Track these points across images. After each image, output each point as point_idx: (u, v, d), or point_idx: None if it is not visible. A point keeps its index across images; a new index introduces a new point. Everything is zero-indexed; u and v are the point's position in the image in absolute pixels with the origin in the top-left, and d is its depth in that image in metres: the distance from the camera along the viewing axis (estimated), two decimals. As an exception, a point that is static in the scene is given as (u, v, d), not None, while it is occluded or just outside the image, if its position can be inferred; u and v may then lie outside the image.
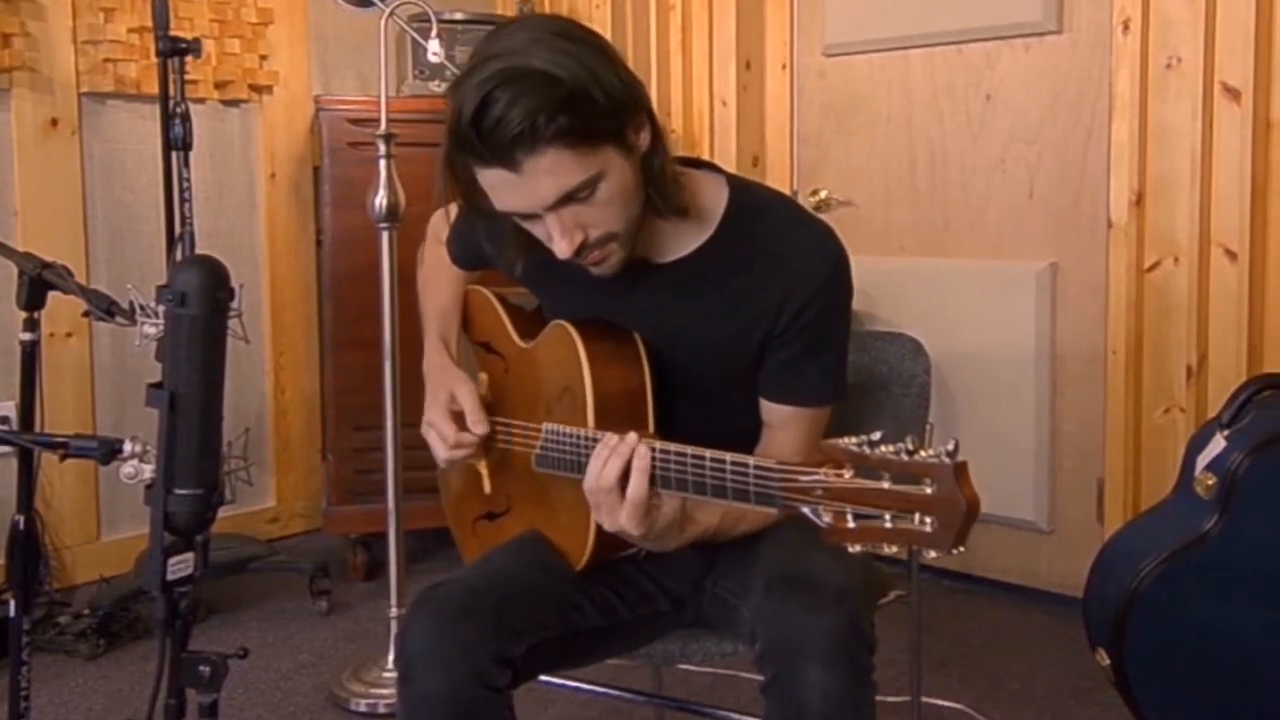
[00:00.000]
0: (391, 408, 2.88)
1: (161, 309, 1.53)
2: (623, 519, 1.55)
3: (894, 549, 1.28)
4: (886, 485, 1.27)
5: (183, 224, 3.17)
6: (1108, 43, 3.19)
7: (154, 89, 3.23)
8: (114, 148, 3.67)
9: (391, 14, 2.81)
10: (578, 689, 2.25)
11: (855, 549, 1.31)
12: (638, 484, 1.53)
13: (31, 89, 3.46)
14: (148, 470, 1.54)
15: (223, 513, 1.62)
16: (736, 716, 2.06)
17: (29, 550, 1.90)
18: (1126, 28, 3.08)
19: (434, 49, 2.72)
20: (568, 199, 1.54)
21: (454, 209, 1.90)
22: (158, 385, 1.51)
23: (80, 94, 3.57)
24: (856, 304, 1.78)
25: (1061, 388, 3.39)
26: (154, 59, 3.19)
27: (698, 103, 4.01)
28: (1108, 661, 2.25)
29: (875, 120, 3.73)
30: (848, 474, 1.31)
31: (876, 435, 1.29)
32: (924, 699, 2.56)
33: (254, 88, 3.96)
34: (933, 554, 1.26)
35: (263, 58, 3.97)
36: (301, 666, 3.09)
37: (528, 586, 1.71)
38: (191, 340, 1.50)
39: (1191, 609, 2.17)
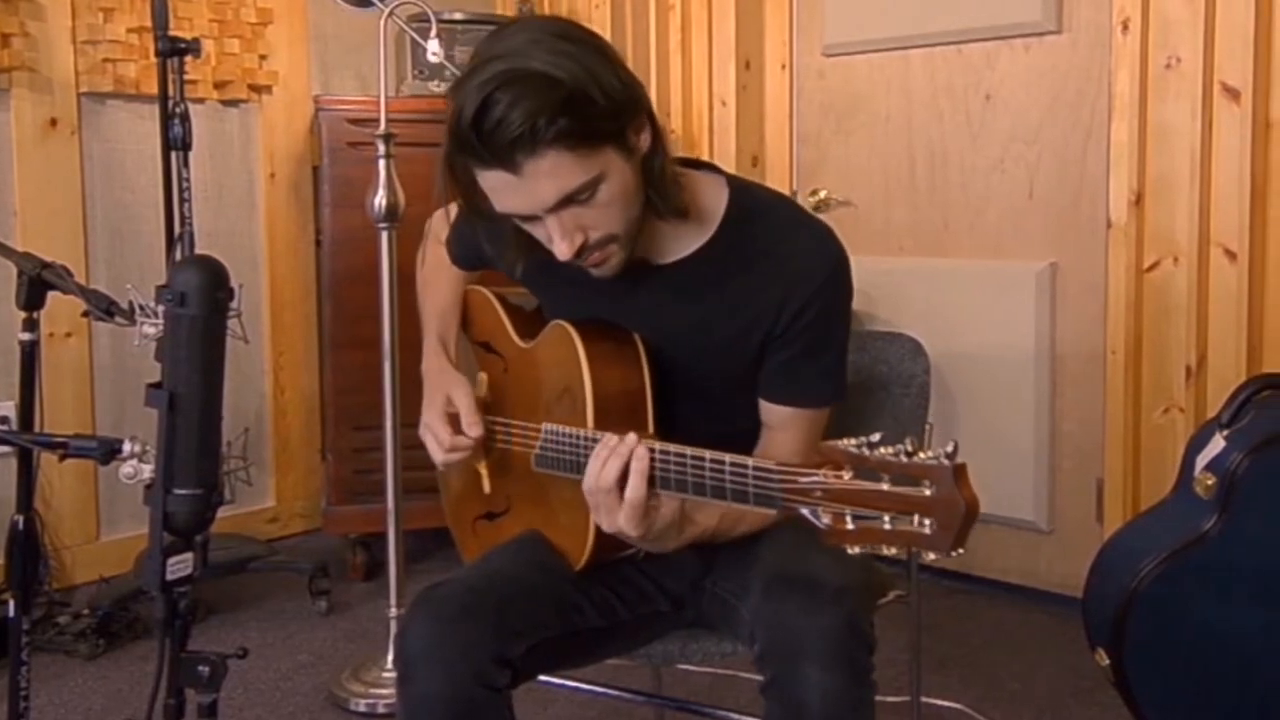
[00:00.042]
0: (391, 408, 2.88)
1: (161, 309, 1.53)
2: (621, 520, 1.55)
3: (893, 550, 1.28)
4: (886, 487, 1.27)
5: (182, 224, 3.17)
6: (1107, 43, 3.19)
7: (153, 89, 3.23)
8: (113, 148, 3.67)
9: (391, 14, 2.81)
10: (577, 689, 2.25)
11: (854, 550, 1.31)
12: (636, 485, 1.53)
13: (31, 89, 3.46)
14: (147, 470, 1.55)
15: (222, 513, 1.62)
16: (736, 717, 2.06)
17: (28, 550, 1.90)
18: (1126, 28, 3.08)
19: (433, 49, 2.72)
20: (568, 201, 1.54)
21: (454, 209, 1.91)
22: (157, 385, 1.51)
23: (79, 94, 3.57)
24: (856, 304, 1.78)
25: (1061, 388, 3.39)
26: (153, 59, 3.19)
27: (697, 103, 4.01)
28: (1107, 661, 2.25)
29: (875, 120, 3.73)
30: (847, 475, 1.31)
31: (876, 437, 1.29)
32: (923, 699, 2.56)
33: (253, 88, 3.96)
34: (932, 556, 1.26)
35: (262, 58, 3.97)
36: (301, 666, 3.09)
37: (527, 586, 1.71)
38: (191, 340, 1.50)
39: (1191, 609, 2.18)
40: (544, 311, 1.91)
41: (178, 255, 3.16)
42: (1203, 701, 2.20)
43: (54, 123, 3.52)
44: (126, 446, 1.57)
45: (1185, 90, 2.99)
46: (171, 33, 3.12)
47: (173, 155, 3.17)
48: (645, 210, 1.64)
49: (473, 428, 1.85)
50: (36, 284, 1.84)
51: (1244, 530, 2.14)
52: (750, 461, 1.43)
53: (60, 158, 3.54)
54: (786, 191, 3.81)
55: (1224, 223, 2.96)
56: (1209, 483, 2.17)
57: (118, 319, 1.75)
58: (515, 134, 1.46)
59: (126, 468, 1.57)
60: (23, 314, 1.87)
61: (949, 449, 1.24)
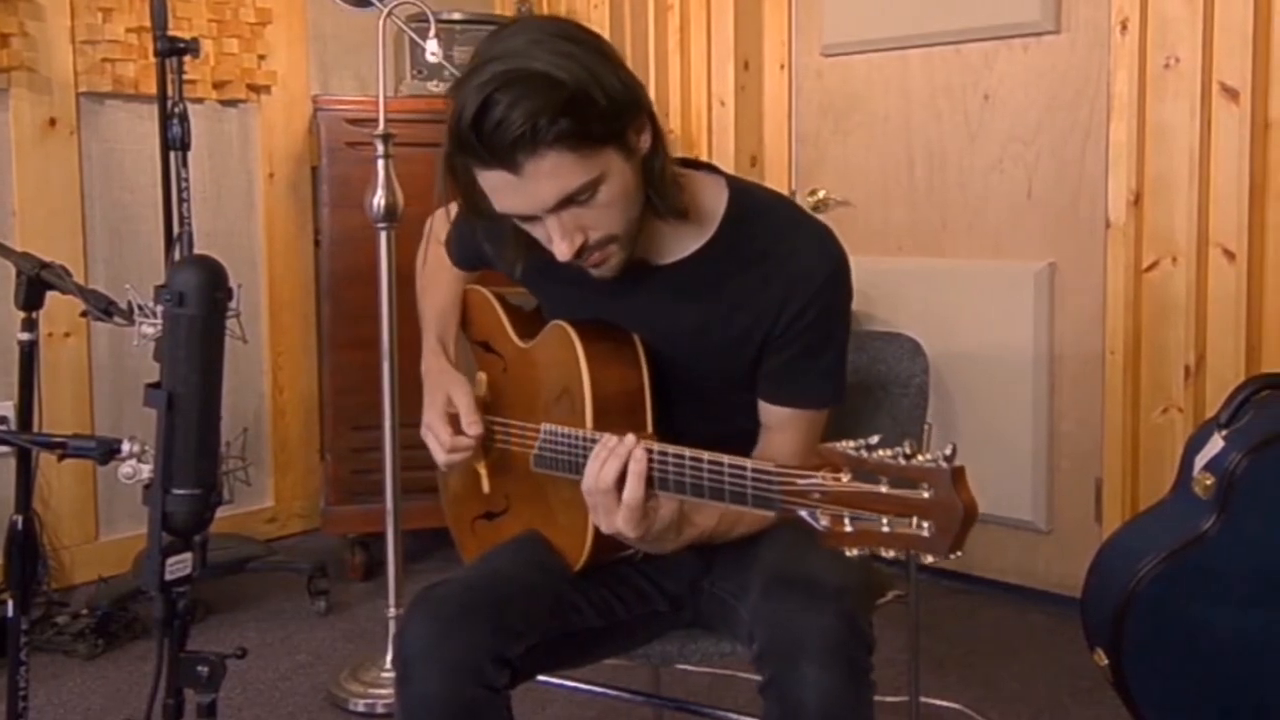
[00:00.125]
0: (390, 408, 2.88)
1: (160, 309, 1.53)
2: (619, 520, 1.55)
3: (891, 553, 1.28)
4: (884, 489, 1.27)
5: (181, 224, 3.17)
6: (1106, 43, 3.20)
7: (152, 89, 3.23)
8: (112, 148, 3.67)
9: (390, 14, 2.81)
10: (576, 689, 2.25)
11: (853, 553, 1.31)
12: (634, 486, 1.53)
13: (30, 89, 3.46)
14: (146, 470, 1.54)
15: (221, 513, 1.62)
16: (735, 717, 2.06)
17: (27, 550, 1.90)
18: (1125, 28, 3.09)
19: (432, 49, 2.71)
20: (568, 201, 1.54)
21: (454, 209, 1.91)
22: (156, 385, 1.51)
23: (78, 94, 3.57)
24: (854, 304, 1.78)
25: (1060, 388, 3.39)
26: (152, 59, 3.19)
27: (696, 103, 4.01)
28: (1106, 661, 2.25)
29: (873, 120, 3.73)
30: (845, 478, 1.31)
31: (874, 439, 1.29)
32: (922, 699, 2.56)
33: (252, 88, 3.96)
34: (930, 558, 1.26)
35: (261, 58, 3.97)
36: (300, 666, 3.09)
37: (526, 586, 1.71)
38: (190, 340, 1.50)
39: (1190, 609, 2.17)
40: (543, 312, 1.91)
41: (176, 255, 3.16)
42: (1201, 701, 2.20)
43: (53, 123, 3.52)
44: (125, 446, 1.57)
45: (1184, 90, 2.99)
46: (170, 33, 3.13)
47: (171, 155, 3.17)
48: (645, 211, 1.64)
49: (472, 427, 1.85)
50: (35, 284, 1.84)
51: (1243, 530, 2.14)
52: (749, 463, 1.43)
53: (59, 158, 3.54)
54: (785, 192, 3.82)
55: (1223, 223, 2.96)
56: (1208, 483, 2.17)
57: (116, 319, 1.75)
58: (516, 134, 1.46)
59: (125, 468, 1.57)
60: (21, 314, 1.86)
61: (947, 451, 1.24)
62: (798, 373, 1.72)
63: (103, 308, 1.76)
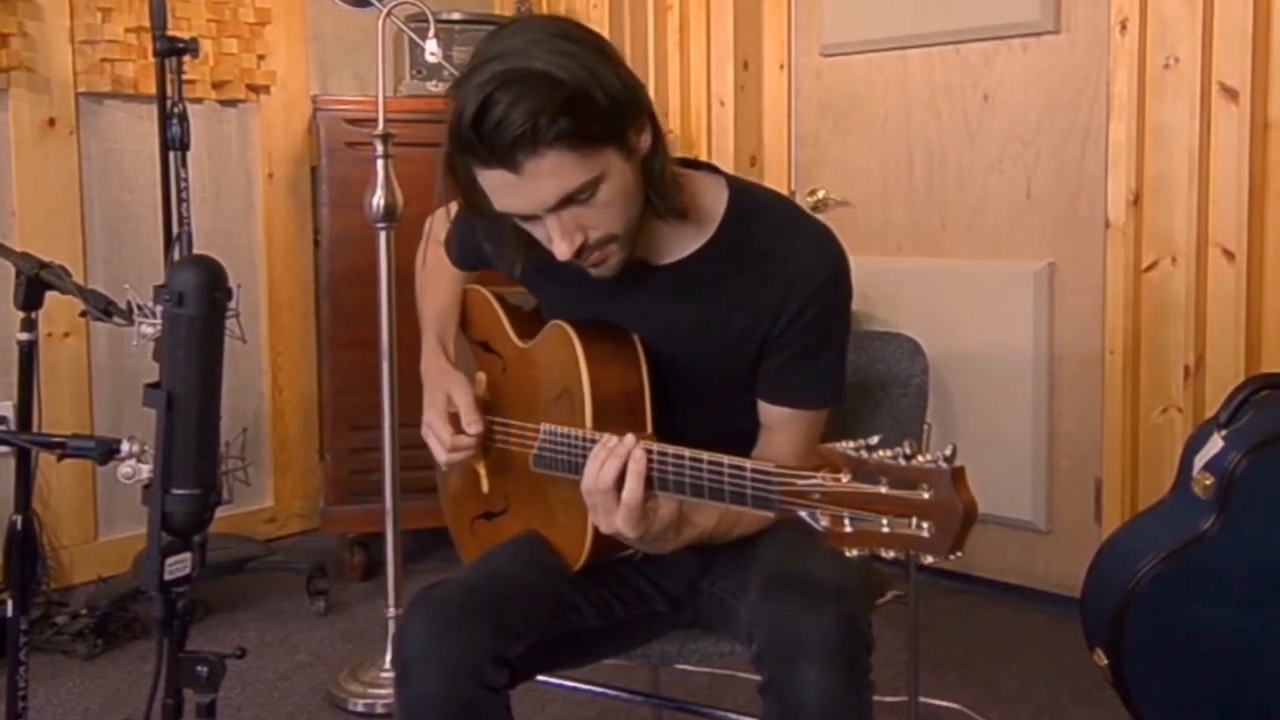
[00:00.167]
0: (389, 408, 2.88)
1: (159, 309, 1.53)
2: (619, 521, 1.55)
3: (891, 554, 1.28)
4: (884, 490, 1.27)
5: (180, 224, 3.17)
6: (1105, 43, 3.20)
7: (151, 89, 3.23)
8: (111, 148, 3.67)
9: (389, 14, 2.81)
10: (575, 689, 2.25)
11: (852, 553, 1.31)
12: (634, 486, 1.53)
13: (29, 89, 3.46)
14: (145, 470, 1.54)
15: (220, 513, 1.62)
16: (734, 717, 2.06)
17: (27, 550, 1.90)
18: (1124, 27, 3.09)
19: (431, 49, 2.71)
20: (568, 200, 1.54)
21: (453, 209, 1.91)
22: (155, 385, 1.51)
23: (78, 94, 3.57)
24: (854, 304, 1.78)
25: (1059, 388, 3.39)
26: (151, 59, 3.19)
27: (695, 103, 4.01)
28: (1105, 662, 2.25)
29: (873, 120, 3.73)
30: (845, 478, 1.31)
31: (874, 439, 1.29)
32: (921, 699, 2.56)
33: (251, 87, 3.96)
34: (930, 559, 1.26)
35: (260, 58, 3.96)
36: (299, 666, 3.09)
37: (525, 586, 1.71)
38: (189, 340, 1.50)
39: (1189, 609, 2.17)
40: (542, 311, 1.91)
41: (176, 255, 3.16)
42: (1201, 701, 2.20)
43: (52, 123, 3.52)
44: (124, 446, 1.57)
45: (1183, 90, 2.99)
46: (170, 32, 3.13)
47: (171, 155, 3.17)
48: (645, 211, 1.64)
49: (472, 425, 1.85)
50: (35, 284, 1.84)
51: (1242, 530, 2.14)
52: (748, 463, 1.43)
53: (58, 158, 3.54)
54: (784, 192, 3.82)
55: (1222, 223, 2.96)
56: (1207, 483, 2.17)
57: (116, 319, 1.75)
58: (516, 133, 1.46)
59: (125, 468, 1.57)
60: (21, 314, 1.86)
61: (947, 452, 1.23)
62: (797, 373, 1.72)
63: (102, 308, 1.76)
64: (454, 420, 1.86)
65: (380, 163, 2.83)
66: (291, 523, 4.16)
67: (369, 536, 3.67)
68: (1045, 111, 3.36)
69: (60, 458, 1.64)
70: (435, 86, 3.76)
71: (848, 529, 1.30)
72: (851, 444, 1.30)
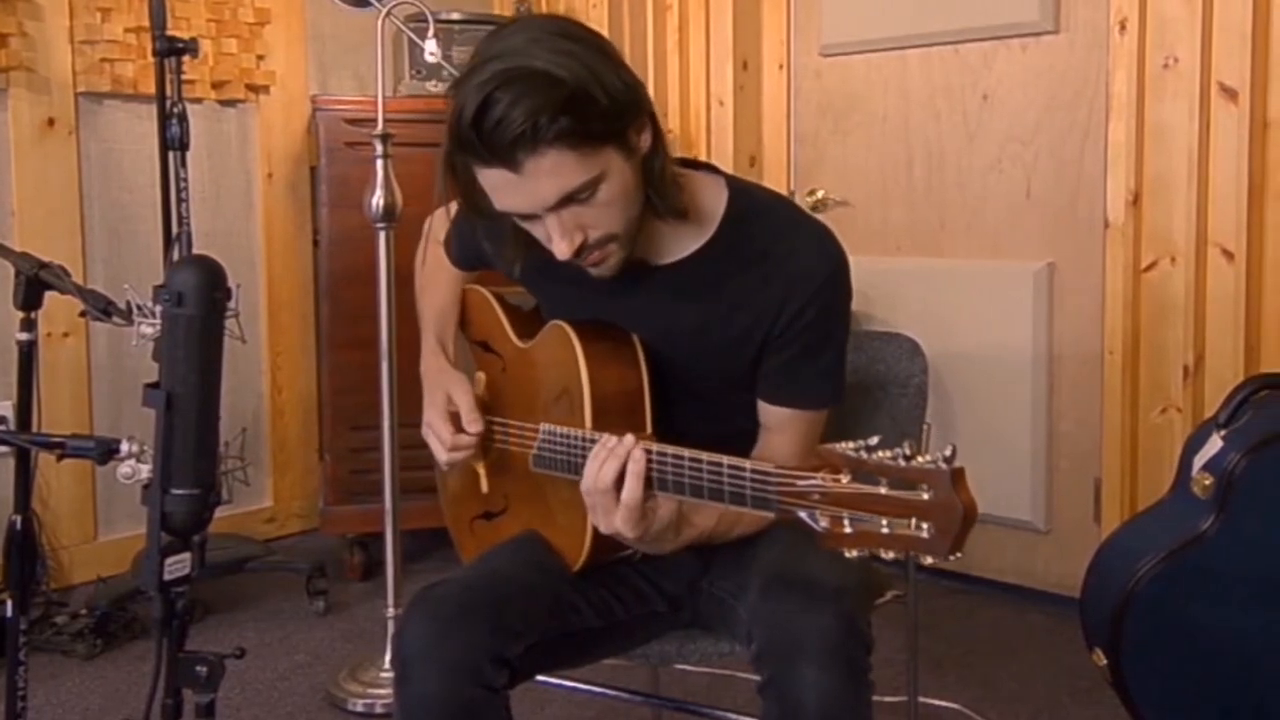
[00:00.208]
0: (388, 407, 2.88)
1: (158, 309, 1.53)
2: (618, 521, 1.55)
3: (891, 555, 1.28)
4: (883, 490, 1.27)
5: (180, 224, 3.17)
6: (1104, 43, 3.20)
7: (151, 89, 3.23)
8: (111, 148, 3.67)
9: (388, 14, 2.81)
10: (574, 689, 2.25)
11: (852, 554, 1.31)
12: (633, 486, 1.53)
13: (28, 89, 3.46)
14: (145, 470, 1.54)
15: (219, 513, 1.62)
16: (733, 717, 2.06)
17: (26, 550, 1.90)
18: (1123, 27, 3.09)
19: (431, 49, 2.71)
20: (568, 200, 1.54)
21: (453, 208, 1.91)
22: (154, 385, 1.51)
23: (77, 94, 3.57)
24: (853, 304, 1.78)
25: (1058, 388, 3.39)
26: (151, 59, 3.19)
27: (694, 102, 4.01)
28: (1104, 661, 2.25)
29: (872, 120, 3.73)
30: (845, 479, 1.30)
31: (874, 440, 1.29)
32: (921, 699, 2.56)
33: (251, 87, 3.96)
34: (930, 560, 1.26)
35: (260, 58, 3.96)
36: (298, 666, 3.09)
37: (525, 586, 1.71)
38: (188, 340, 1.50)
39: (1188, 609, 2.18)
40: (542, 311, 1.91)
41: (175, 255, 3.16)
42: (1200, 701, 2.20)
43: (51, 122, 3.52)
44: (124, 446, 1.57)
45: (1183, 90, 2.99)
46: (169, 32, 3.13)
47: (170, 155, 3.17)
48: (645, 210, 1.64)
49: (473, 424, 1.85)
50: (34, 284, 1.84)
51: (1241, 530, 2.14)
52: (748, 464, 1.43)
53: (58, 157, 3.54)
54: (784, 192, 3.82)
55: (1221, 223, 2.96)
56: (1206, 483, 2.17)
57: (115, 319, 1.75)
58: (516, 132, 1.46)
59: (124, 468, 1.57)
60: (20, 314, 1.86)
61: (947, 453, 1.23)
62: (797, 373, 1.72)
63: (101, 308, 1.76)
64: (454, 420, 1.86)
65: (379, 163, 2.83)
66: (291, 523, 4.16)
67: (368, 536, 3.67)
68: (1044, 111, 3.36)
69: (60, 458, 1.64)
70: (434, 86, 3.76)
71: (847, 530, 1.30)
72: (851, 445, 1.30)
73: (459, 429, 1.85)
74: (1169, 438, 3.05)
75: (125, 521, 3.67)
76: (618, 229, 1.61)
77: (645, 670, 2.44)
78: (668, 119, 3.98)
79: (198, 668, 1.56)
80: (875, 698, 1.57)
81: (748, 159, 3.96)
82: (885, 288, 3.58)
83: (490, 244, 1.83)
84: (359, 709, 2.85)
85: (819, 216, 2.00)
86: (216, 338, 1.53)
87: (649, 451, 1.53)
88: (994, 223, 3.49)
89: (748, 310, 1.70)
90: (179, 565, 1.52)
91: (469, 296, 2.06)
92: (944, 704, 2.77)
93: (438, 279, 2.07)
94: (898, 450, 1.26)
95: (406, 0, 2.82)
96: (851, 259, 1.75)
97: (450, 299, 2.05)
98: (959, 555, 1.23)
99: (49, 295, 1.86)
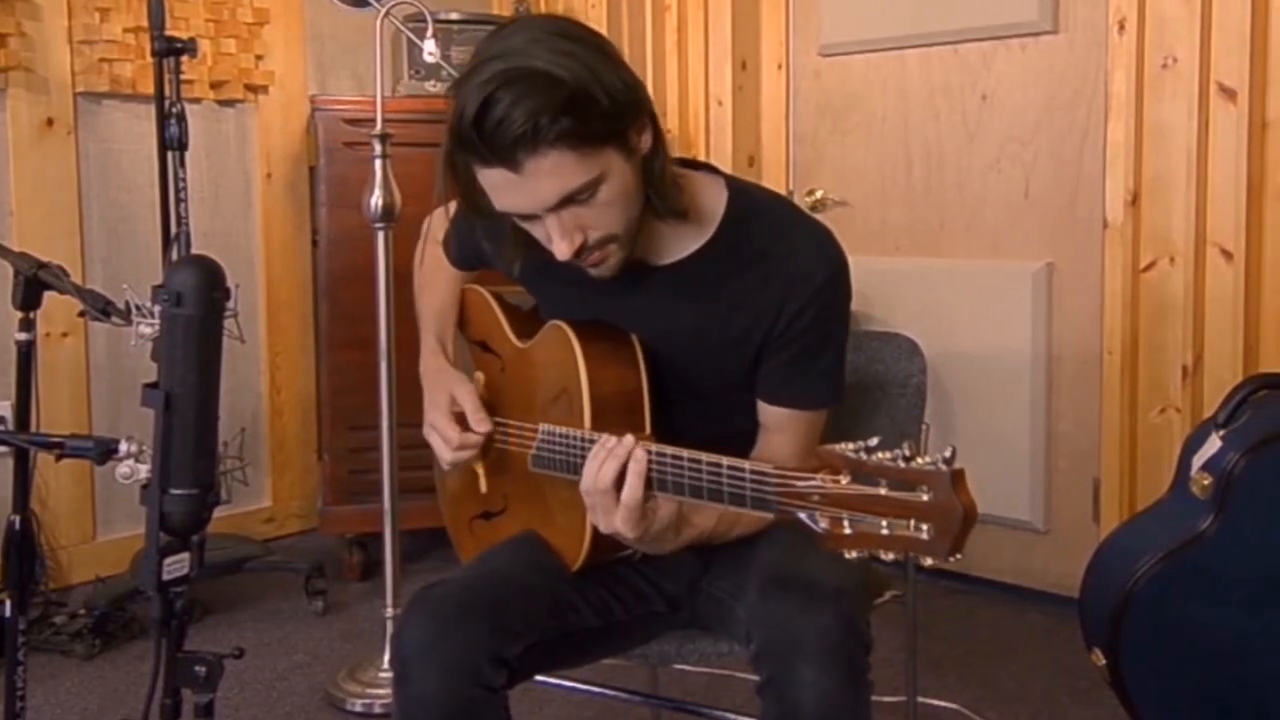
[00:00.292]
0: (387, 407, 2.88)
1: (157, 309, 1.53)
2: (618, 521, 1.55)
3: (890, 556, 1.28)
4: (883, 492, 1.27)
5: (178, 224, 3.17)
6: (1103, 43, 3.20)
7: (150, 89, 3.22)
8: (110, 148, 3.67)
9: (387, 14, 2.81)
10: (573, 689, 2.25)
11: (851, 555, 1.30)
12: (633, 486, 1.53)
13: (27, 89, 3.46)
14: (143, 470, 1.54)
15: (218, 513, 1.62)
16: (732, 717, 2.06)
17: (25, 550, 1.90)
18: (1122, 28, 3.09)
19: (430, 49, 2.71)
20: (568, 200, 1.54)
21: (452, 208, 1.91)
22: (153, 385, 1.51)
23: (76, 94, 3.57)
24: (852, 304, 1.78)
25: (1057, 388, 3.39)
26: (150, 59, 3.19)
27: (693, 103, 4.01)
28: (1103, 661, 2.25)
29: (871, 120, 3.73)
30: (844, 480, 1.30)
31: (873, 441, 1.29)
32: (920, 699, 2.56)
33: (250, 88, 3.95)
34: (929, 561, 1.25)
35: (258, 58, 3.96)
36: (297, 666, 3.09)
37: (524, 586, 1.71)
38: (187, 340, 1.50)
39: (1187, 609, 2.18)
40: (541, 311, 1.91)
41: (174, 255, 3.16)
42: (1199, 701, 2.20)
43: (50, 123, 3.51)
44: (123, 446, 1.57)
45: (1182, 90, 2.99)
46: (168, 32, 3.13)
47: (169, 155, 3.17)
48: (644, 211, 1.64)
49: (481, 424, 1.84)
50: (33, 284, 1.84)
51: (1240, 530, 2.14)
52: (747, 465, 1.43)
53: (56, 158, 3.54)
54: (783, 192, 3.82)
55: (1220, 223, 2.96)
56: (1205, 483, 2.17)
57: (114, 319, 1.75)
58: (517, 132, 1.46)
59: (123, 468, 1.57)
60: (19, 314, 1.86)
61: (947, 454, 1.23)
62: (797, 373, 1.72)
63: (100, 308, 1.76)
64: (459, 420, 1.86)
65: (378, 163, 2.83)
66: (290, 523, 4.16)
67: (367, 536, 3.67)
68: (1043, 111, 3.36)
69: (58, 458, 1.64)
70: (433, 86, 3.76)
71: (847, 531, 1.30)
72: (851, 445, 1.30)
73: (465, 429, 1.85)
74: (1168, 438, 3.05)
75: (124, 521, 3.67)
76: (618, 229, 1.61)
77: (644, 670, 2.44)
78: (666, 119, 3.98)
79: (196, 668, 1.56)
80: (874, 698, 1.57)
81: (746, 159, 3.96)
82: (884, 288, 3.58)
83: (489, 244, 1.83)
84: (358, 709, 2.85)
85: (818, 217, 2.00)
86: (215, 338, 1.53)
87: (649, 452, 1.53)
88: (993, 223, 3.49)
89: (747, 310, 1.70)
90: (178, 565, 1.52)
91: (468, 296, 2.06)
92: (943, 704, 2.77)
93: (436, 279, 2.07)
94: (897, 451, 1.26)
95: (405, 0, 2.82)
96: (850, 259, 1.75)
97: (449, 299, 2.05)
98: (959, 557, 1.23)
99: (48, 295, 1.86)
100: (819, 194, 3.82)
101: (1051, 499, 3.42)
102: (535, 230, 1.62)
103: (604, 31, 3.92)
